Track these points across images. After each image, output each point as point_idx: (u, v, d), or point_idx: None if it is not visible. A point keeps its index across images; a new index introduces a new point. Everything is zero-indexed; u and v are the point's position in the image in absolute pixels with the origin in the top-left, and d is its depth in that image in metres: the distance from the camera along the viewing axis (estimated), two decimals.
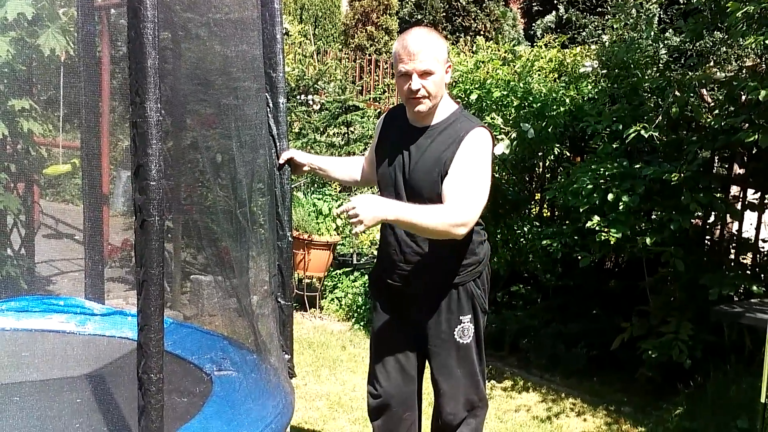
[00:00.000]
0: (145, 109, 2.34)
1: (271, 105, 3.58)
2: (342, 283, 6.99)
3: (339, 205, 7.03)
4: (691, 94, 4.96)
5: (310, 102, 8.79)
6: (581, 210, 4.81)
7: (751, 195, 5.34)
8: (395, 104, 3.37)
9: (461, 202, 2.87)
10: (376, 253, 3.43)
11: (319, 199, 7.07)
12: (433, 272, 3.06)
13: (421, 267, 3.08)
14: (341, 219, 2.73)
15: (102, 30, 5.55)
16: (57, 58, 4.77)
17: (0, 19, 4.61)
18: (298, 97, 8.82)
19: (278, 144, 3.59)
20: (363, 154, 3.81)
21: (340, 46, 14.95)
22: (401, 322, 3.22)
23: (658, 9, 13.57)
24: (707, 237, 5.55)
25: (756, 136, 4.26)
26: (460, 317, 3.09)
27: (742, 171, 5.28)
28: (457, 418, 3.22)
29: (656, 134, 4.72)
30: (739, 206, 5.26)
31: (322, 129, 8.54)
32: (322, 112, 8.70)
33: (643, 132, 4.65)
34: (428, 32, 2.97)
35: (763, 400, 3.67)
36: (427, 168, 3.00)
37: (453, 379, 3.17)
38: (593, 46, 6.30)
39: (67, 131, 5.45)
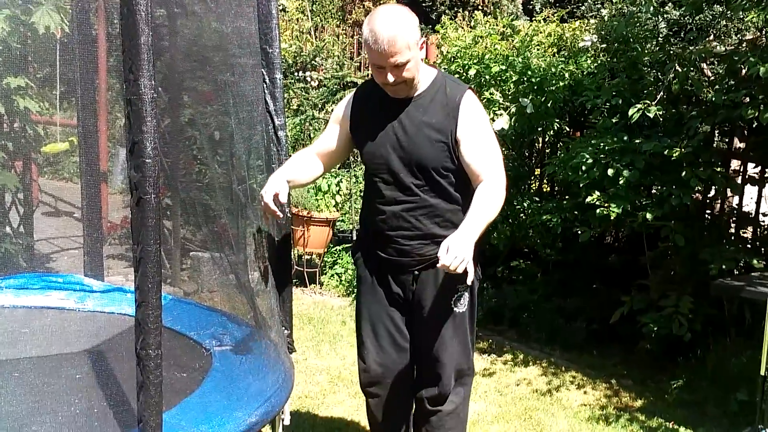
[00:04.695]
0: (139, 87, 2.31)
1: (267, 81, 3.55)
2: (342, 259, 7.00)
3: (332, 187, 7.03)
4: (692, 69, 4.93)
5: (308, 78, 8.74)
6: (581, 185, 4.80)
7: (752, 169, 5.33)
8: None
9: (496, 171, 2.95)
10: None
11: None
12: (430, 244, 3.05)
13: (419, 240, 3.06)
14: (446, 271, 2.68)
15: (98, 7, 5.50)
16: (52, 35, 4.74)
17: None
18: (295, 73, 8.76)
19: (275, 120, 3.56)
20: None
21: (338, 22, 14.86)
22: (393, 295, 3.19)
23: None
24: (707, 211, 5.54)
25: (756, 112, 4.24)
26: (457, 286, 3.08)
27: (742, 145, 5.27)
28: (449, 387, 3.22)
29: (659, 112, 4.69)
30: (739, 180, 5.24)
31: (320, 105, 8.49)
32: (320, 89, 8.65)
33: (647, 112, 4.62)
34: (395, 18, 2.83)
35: (762, 372, 3.68)
36: (429, 139, 2.97)
37: (448, 348, 3.16)
38: (592, 21, 6.27)
39: (64, 109, 5.43)
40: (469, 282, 2.71)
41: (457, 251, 2.63)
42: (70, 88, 4.76)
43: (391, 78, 2.87)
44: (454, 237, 2.70)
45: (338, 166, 7.67)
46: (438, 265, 2.68)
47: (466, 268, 2.67)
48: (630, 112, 4.68)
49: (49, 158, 6.09)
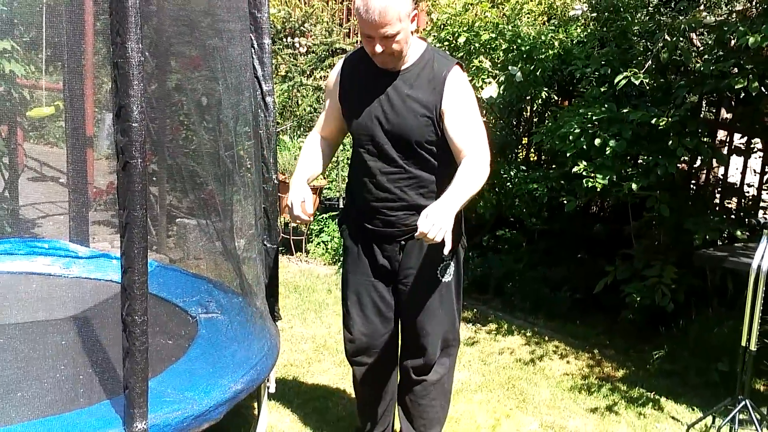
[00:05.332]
0: (126, 50, 2.30)
1: (255, 46, 3.53)
2: (328, 227, 6.99)
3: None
4: (681, 39, 4.92)
5: (297, 45, 8.66)
6: (568, 154, 4.79)
7: (738, 140, 5.34)
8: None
9: (480, 146, 2.92)
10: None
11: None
12: (416, 215, 3.05)
13: (404, 211, 3.07)
14: (426, 241, 2.62)
15: None
16: None
17: None
18: (284, 39, 8.69)
19: (263, 86, 3.54)
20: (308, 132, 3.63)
21: None
22: (378, 265, 3.20)
23: None
24: (693, 182, 5.56)
25: (744, 82, 4.24)
26: (443, 255, 3.08)
27: (729, 116, 5.28)
28: (434, 357, 3.25)
29: (646, 80, 4.69)
30: (725, 151, 5.26)
31: (308, 72, 8.44)
32: (309, 55, 8.58)
33: (633, 79, 4.61)
34: None
35: (744, 343, 3.72)
36: (414, 113, 2.96)
37: (435, 318, 3.19)
38: None
39: (50, 73, 5.38)
40: (446, 251, 2.69)
41: (435, 219, 2.61)
42: (57, 51, 4.71)
43: (379, 48, 2.85)
44: (434, 206, 2.68)
45: None
46: (416, 234, 2.66)
47: (444, 239, 2.64)
48: (616, 80, 4.67)
49: (34, 122, 6.04)
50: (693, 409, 4.22)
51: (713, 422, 3.92)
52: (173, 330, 3.39)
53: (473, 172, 2.85)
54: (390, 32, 2.80)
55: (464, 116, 2.95)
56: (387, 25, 2.78)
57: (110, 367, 2.91)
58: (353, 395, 3.62)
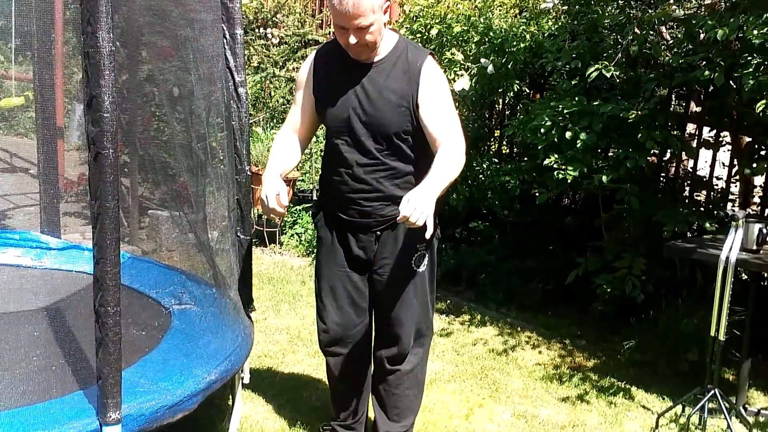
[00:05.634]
0: (97, 39, 2.29)
1: (227, 37, 3.51)
2: (302, 218, 6.99)
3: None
4: (651, 32, 4.97)
5: (269, 35, 8.62)
6: (540, 147, 4.83)
7: (707, 133, 5.40)
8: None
9: (455, 135, 2.94)
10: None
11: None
12: (391, 205, 3.06)
13: (380, 201, 3.08)
14: (406, 224, 2.61)
15: None
16: None
17: None
18: (256, 30, 8.65)
19: (235, 77, 3.53)
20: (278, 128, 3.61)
21: None
22: (353, 255, 3.20)
23: None
24: (662, 174, 5.62)
25: (713, 75, 4.29)
26: (417, 245, 3.11)
27: (698, 109, 5.34)
28: (408, 347, 3.28)
29: (616, 72, 4.73)
30: (694, 144, 5.32)
31: (281, 63, 8.41)
32: (281, 46, 8.55)
33: (604, 71, 4.64)
34: None
35: (712, 333, 3.77)
36: (390, 104, 2.98)
37: (409, 308, 3.21)
38: None
39: (19, 63, 5.32)
40: (427, 235, 2.71)
41: (417, 204, 2.62)
42: (26, 41, 4.66)
43: (353, 40, 2.86)
44: (415, 191, 2.69)
45: None
46: (398, 218, 2.67)
47: (425, 223, 2.65)
48: (588, 72, 4.70)
49: (3, 113, 5.98)
50: (663, 398, 4.28)
51: (683, 411, 3.98)
52: (146, 321, 3.38)
53: (450, 160, 2.87)
54: (363, 23, 2.81)
55: (440, 106, 2.98)
56: (360, 16, 2.79)
57: (83, 358, 2.90)
58: (327, 385, 3.62)
